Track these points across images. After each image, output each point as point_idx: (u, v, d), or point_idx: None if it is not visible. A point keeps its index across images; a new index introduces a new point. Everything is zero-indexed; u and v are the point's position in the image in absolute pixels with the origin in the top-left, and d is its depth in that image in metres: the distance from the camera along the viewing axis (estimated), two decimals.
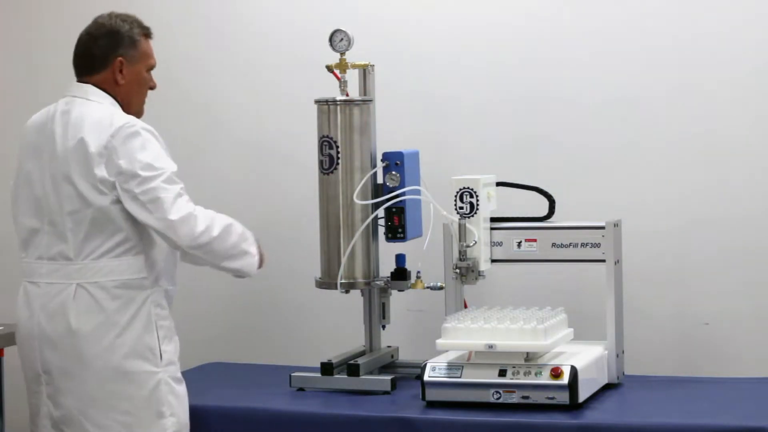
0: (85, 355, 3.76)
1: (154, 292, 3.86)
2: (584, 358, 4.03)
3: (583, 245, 4.24)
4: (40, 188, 3.85)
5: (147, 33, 3.98)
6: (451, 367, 4.01)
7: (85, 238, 3.78)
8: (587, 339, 4.27)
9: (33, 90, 5.45)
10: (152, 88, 4.01)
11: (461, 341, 4.02)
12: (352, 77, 4.43)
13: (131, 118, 3.83)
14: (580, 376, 3.90)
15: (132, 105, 3.94)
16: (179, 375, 3.90)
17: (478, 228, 4.25)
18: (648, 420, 3.80)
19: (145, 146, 3.77)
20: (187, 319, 4.53)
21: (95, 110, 3.83)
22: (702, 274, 4.62)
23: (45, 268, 3.84)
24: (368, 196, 4.34)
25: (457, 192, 4.29)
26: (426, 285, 4.40)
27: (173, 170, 3.79)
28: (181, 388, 3.89)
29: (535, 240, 4.30)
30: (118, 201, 3.76)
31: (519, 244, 4.32)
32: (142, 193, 3.74)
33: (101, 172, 3.74)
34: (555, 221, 4.34)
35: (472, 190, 4.28)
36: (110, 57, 3.89)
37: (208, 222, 3.81)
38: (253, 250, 3.96)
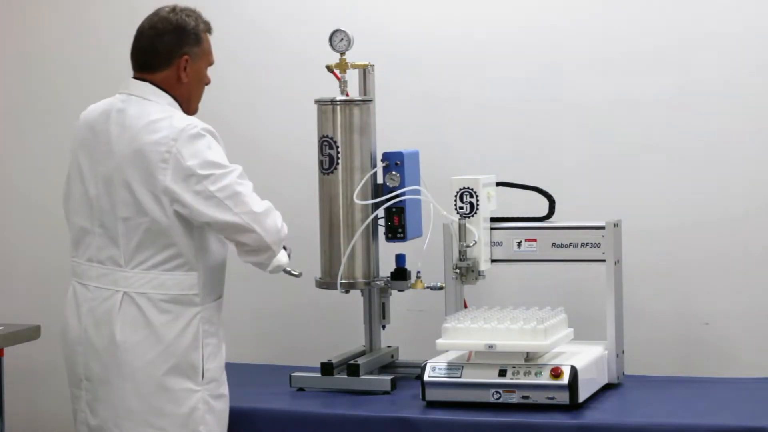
0: (126, 367, 3.66)
1: (205, 309, 3.74)
2: (584, 358, 4.03)
3: (583, 245, 4.24)
4: (93, 188, 3.74)
5: (208, 28, 3.87)
6: (451, 367, 4.01)
7: (137, 246, 3.67)
8: (587, 339, 4.27)
9: (32, 90, 5.48)
10: (207, 83, 3.91)
11: (461, 341, 4.02)
12: (352, 77, 4.42)
13: (192, 120, 3.72)
14: (580, 376, 3.90)
15: (192, 103, 3.84)
16: (221, 390, 3.79)
17: (478, 228, 4.25)
18: (648, 420, 3.80)
19: (211, 146, 3.68)
20: None
21: (153, 111, 3.70)
22: (702, 274, 4.62)
23: (95, 271, 3.74)
24: (368, 196, 4.34)
25: (457, 192, 4.29)
26: (426, 285, 4.40)
27: (241, 168, 3.73)
28: (220, 404, 3.78)
29: (535, 240, 4.30)
30: (176, 216, 3.65)
31: (519, 244, 4.32)
32: (219, 190, 3.64)
33: (165, 178, 3.62)
34: (555, 221, 4.34)
35: (472, 190, 4.28)
36: (175, 55, 3.77)
37: (280, 216, 3.78)
38: None
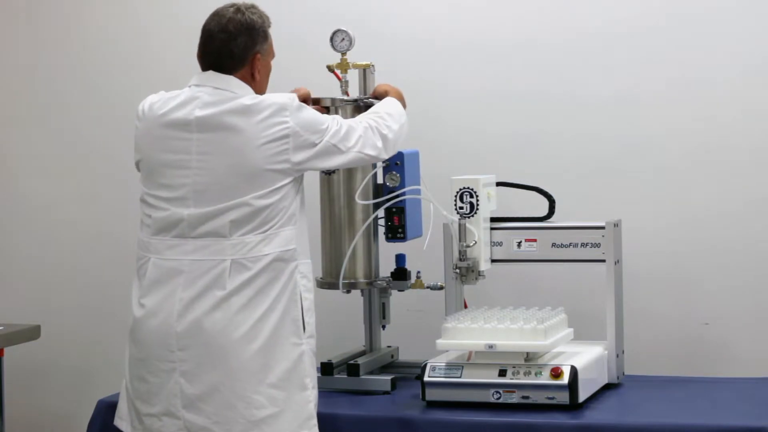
0: (234, 330, 3.65)
1: (301, 263, 3.77)
2: (584, 358, 4.03)
3: (583, 245, 4.24)
4: (179, 173, 3.71)
5: (270, 23, 3.86)
6: (451, 367, 4.01)
7: (238, 220, 3.67)
8: (587, 339, 4.27)
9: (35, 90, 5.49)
10: None
11: (461, 341, 4.02)
12: (353, 77, 4.43)
13: (280, 97, 3.74)
14: (580, 376, 3.91)
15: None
16: (315, 348, 3.84)
17: (478, 228, 4.25)
18: (648, 420, 3.80)
19: (309, 110, 3.78)
20: None
21: (245, 101, 3.70)
22: (702, 274, 4.63)
23: (191, 245, 3.71)
24: (369, 196, 4.34)
25: (457, 192, 4.29)
26: (426, 285, 4.40)
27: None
28: (315, 360, 3.84)
29: (535, 240, 4.30)
30: (284, 187, 3.70)
31: (519, 244, 4.32)
32: (340, 141, 3.77)
33: (283, 153, 3.67)
34: (555, 221, 4.34)
35: (472, 190, 4.28)
36: (249, 55, 3.78)
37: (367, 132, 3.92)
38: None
